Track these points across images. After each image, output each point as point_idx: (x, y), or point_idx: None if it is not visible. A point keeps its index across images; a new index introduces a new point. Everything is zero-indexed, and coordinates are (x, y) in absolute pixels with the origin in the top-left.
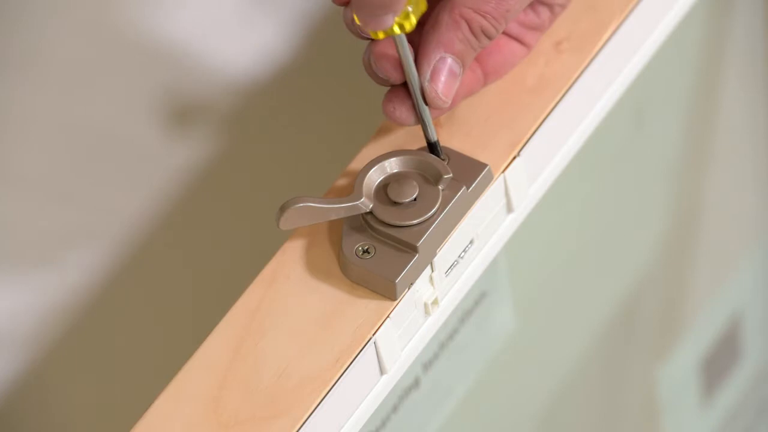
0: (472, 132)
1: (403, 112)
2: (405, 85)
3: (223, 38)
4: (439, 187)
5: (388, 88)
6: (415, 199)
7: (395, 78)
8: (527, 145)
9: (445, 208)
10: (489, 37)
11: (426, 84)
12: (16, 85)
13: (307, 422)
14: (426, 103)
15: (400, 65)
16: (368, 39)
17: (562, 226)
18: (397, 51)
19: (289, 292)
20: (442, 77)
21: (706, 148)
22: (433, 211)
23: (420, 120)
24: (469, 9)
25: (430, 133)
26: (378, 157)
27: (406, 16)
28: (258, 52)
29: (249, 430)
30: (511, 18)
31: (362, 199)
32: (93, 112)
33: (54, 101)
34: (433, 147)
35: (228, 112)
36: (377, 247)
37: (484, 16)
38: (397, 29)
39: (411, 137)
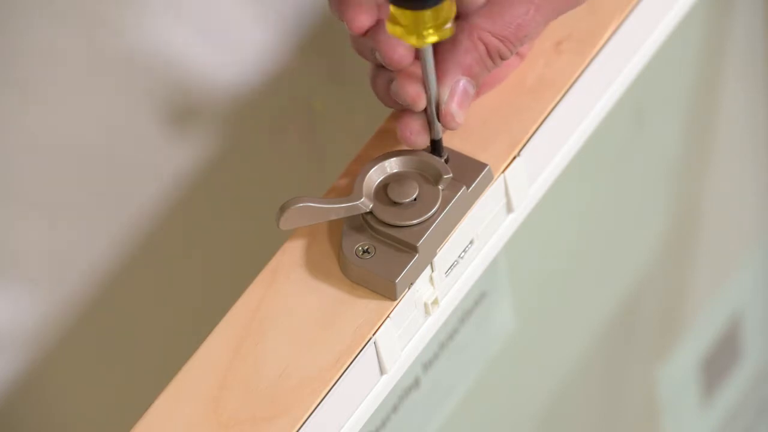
0: (473, 132)
1: (420, 136)
2: (423, 111)
3: (222, 41)
4: (439, 187)
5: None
6: (415, 199)
7: (420, 104)
8: (527, 145)
9: (445, 208)
10: (503, 60)
11: (443, 106)
12: (16, 88)
13: (307, 422)
14: (439, 121)
15: (425, 90)
16: (381, 67)
17: (562, 226)
18: (423, 63)
19: (289, 292)
20: (458, 98)
21: (706, 148)
22: (433, 211)
23: (428, 121)
24: (488, 33)
25: (436, 131)
26: (378, 157)
27: (442, 28)
28: (258, 54)
29: (249, 430)
30: (527, 42)
31: (362, 199)
32: (93, 113)
33: (55, 102)
34: (436, 145)
35: (228, 113)
36: (377, 247)
37: (502, 41)
38: (432, 39)
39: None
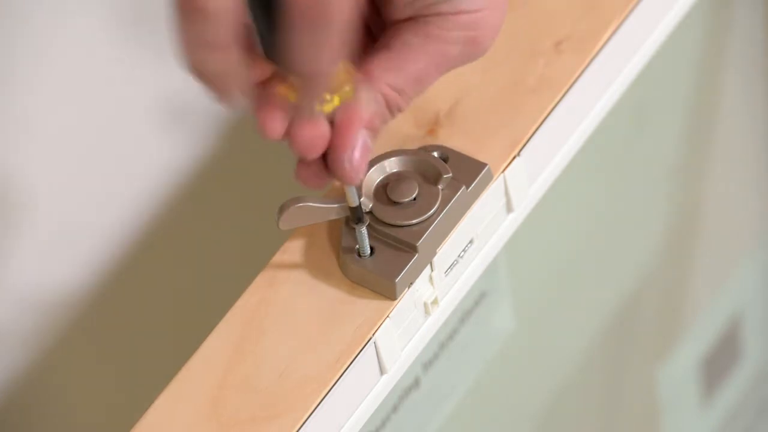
0: (472, 132)
1: (320, 179)
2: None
3: None
4: (439, 187)
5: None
6: (414, 199)
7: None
8: (527, 145)
9: (445, 207)
10: (399, 113)
11: (345, 162)
12: (17, 85)
13: (307, 422)
14: (336, 174)
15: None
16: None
17: (562, 226)
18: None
19: (289, 292)
20: (360, 151)
21: (706, 148)
22: (432, 210)
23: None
24: (388, 86)
25: (352, 198)
26: (378, 156)
27: (341, 90)
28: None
29: (249, 430)
30: (419, 95)
31: (362, 199)
32: (93, 111)
33: (55, 100)
34: (355, 211)
35: (229, 113)
36: (377, 246)
37: (400, 94)
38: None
39: (411, 138)
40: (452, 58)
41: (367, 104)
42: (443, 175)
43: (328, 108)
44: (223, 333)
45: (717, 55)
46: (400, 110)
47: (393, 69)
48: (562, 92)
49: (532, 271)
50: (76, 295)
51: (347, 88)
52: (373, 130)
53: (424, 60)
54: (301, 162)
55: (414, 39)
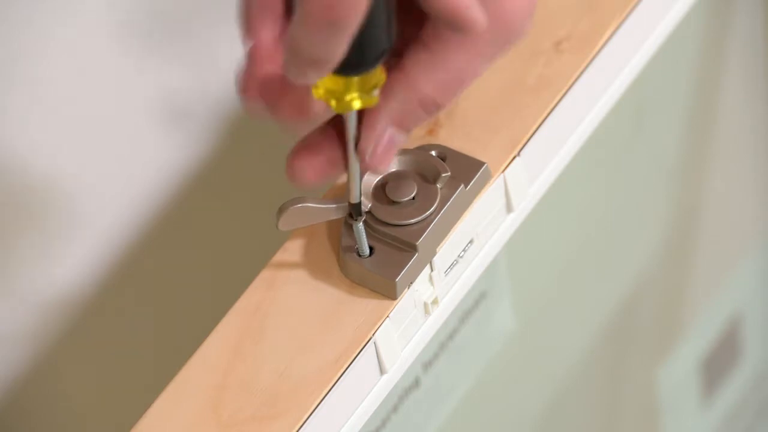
0: (472, 131)
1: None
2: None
3: (223, 38)
4: (438, 186)
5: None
6: (413, 198)
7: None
8: (527, 145)
9: (444, 206)
10: (441, 110)
11: (367, 154)
12: (17, 85)
13: (307, 422)
14: (362, 163)
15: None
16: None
17: (562, 226)
18: (346, 129)
19: (289, 292)
20: (384, 146)
21: (706, 148)
22: (431, 209)
23: (348, 178)
24: (426, 86)
25: (355, 194)
26: None
27: (369, 94)
28: None
29: (249, 430)
30: (466, 88)
31: (361, 198)
32: (93, 112)
33: (55, 101)
34: (354, 209)
35: (228, 112)
36: (376, 246)
37: (441, 93)
38: (356, 105)
39: (411, 137)
40: (489, 50)
41: (399, 104)
42: (442, 173)
43: (355, 106)
44: (223, 333)
45: (717, 55)
46: (439, 109)
47: (431, 68)
48: (562, 92)
49: (532, 271)
50: (76, 295)
51: (375, 93)
52: (405, 128)
53: (463, 57)
54: (303, 149)
55: (450, 36)
